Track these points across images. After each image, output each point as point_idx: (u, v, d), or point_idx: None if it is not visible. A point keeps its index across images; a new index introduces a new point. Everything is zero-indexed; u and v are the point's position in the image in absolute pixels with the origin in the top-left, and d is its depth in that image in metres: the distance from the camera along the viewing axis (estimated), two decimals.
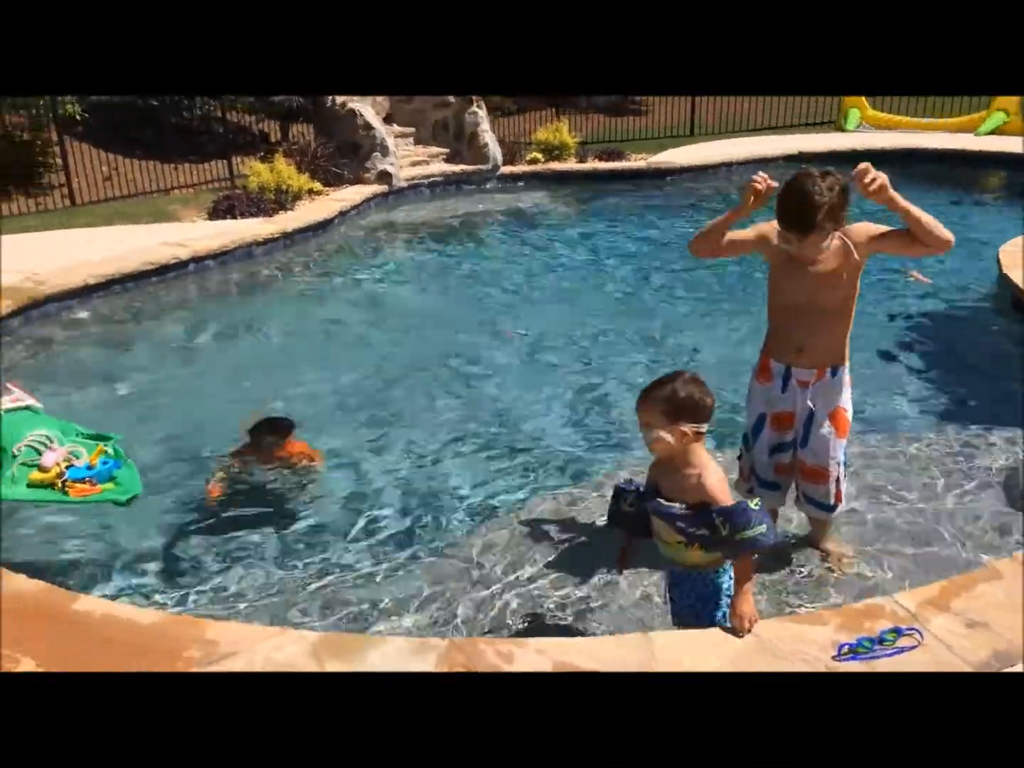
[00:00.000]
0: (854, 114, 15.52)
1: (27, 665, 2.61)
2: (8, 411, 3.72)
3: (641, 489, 2.93)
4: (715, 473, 2.76)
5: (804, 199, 2.99)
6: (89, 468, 3.51)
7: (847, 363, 3.34)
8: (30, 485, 3.45)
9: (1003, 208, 10.72)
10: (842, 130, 15.48)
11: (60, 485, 3.43)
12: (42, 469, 3.46)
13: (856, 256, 3.17)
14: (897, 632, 2.72)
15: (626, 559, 3.11)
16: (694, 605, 2.87)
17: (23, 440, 3.57)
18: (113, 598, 3.33)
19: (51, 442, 3.59)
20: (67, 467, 3.49)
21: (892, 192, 3.01)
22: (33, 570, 3.45)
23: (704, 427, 2.76)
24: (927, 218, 3.05)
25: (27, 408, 3.81)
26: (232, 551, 3.81)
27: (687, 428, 2.71)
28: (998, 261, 6.96)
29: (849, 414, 3.39)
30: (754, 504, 2.69)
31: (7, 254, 7.53)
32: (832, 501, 3.48)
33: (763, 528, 2.67)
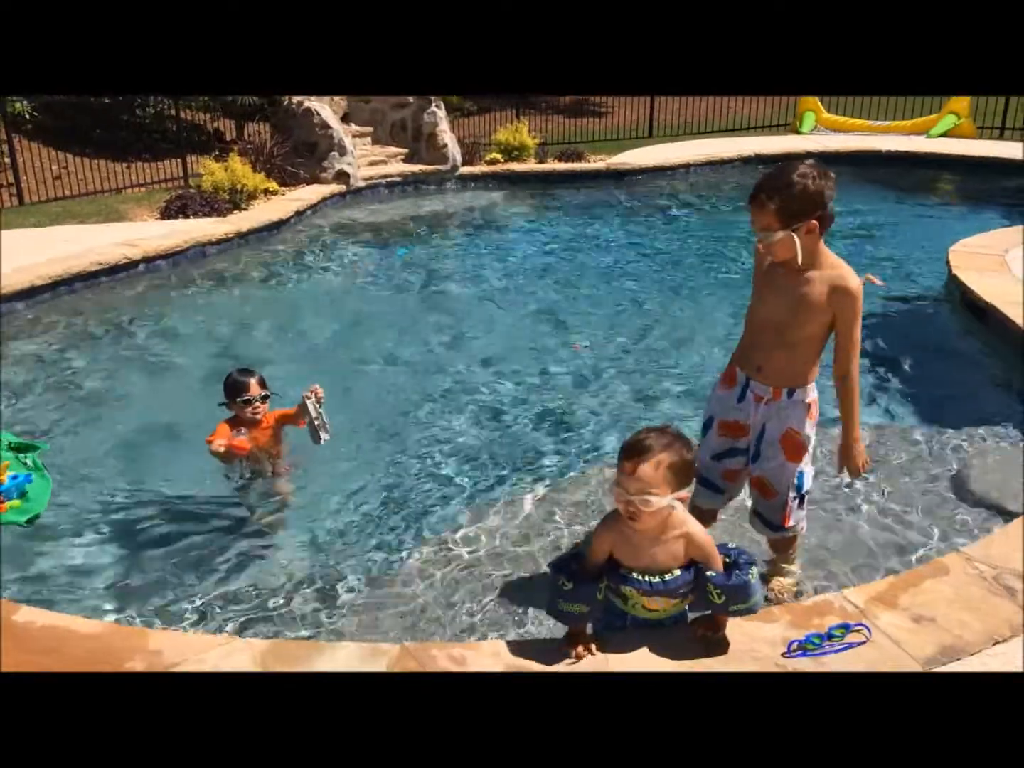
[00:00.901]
0: (809, 117, 15.71)
1: None
2: None
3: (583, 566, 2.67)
4: (697, 525, 2.67)
5: (773, 172, 2.93)
6: None
7: (807, 387, 3.16)
8: None
9: (953, 209, 10.93)
10: (798, 133, 15.67)
11: None
12: None
13: (840, 309, 2.97)
14: (845, 628, 2.75)
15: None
16: None
17: None
18: (54, 608, 3.23)
19: None
20: None
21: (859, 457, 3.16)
22: None
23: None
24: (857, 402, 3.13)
25: None
26: (175, 559, 3.72)
27: (686, 493, 2.62)
28: (948, 262, 7.08)
29: (804, 439, 3.19)
30: (753, 578, 2.62)
31: None
32: (778, 520, 3.32)
33: (758, 597, 2.64)
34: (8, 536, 3.74)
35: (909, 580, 3.10)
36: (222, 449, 4.02)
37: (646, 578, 2.63)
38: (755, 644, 2.71)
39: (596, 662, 2.62)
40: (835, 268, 2.97)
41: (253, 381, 4.17)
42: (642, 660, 2.65)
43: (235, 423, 4.19)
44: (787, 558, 3.51)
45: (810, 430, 3.21)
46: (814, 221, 2.86)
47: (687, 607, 2.83)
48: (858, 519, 3.96)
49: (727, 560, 2.65)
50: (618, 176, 12.56)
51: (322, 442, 4.11)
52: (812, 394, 3.20)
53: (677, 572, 2.64)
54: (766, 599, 3.26)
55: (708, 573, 2.61)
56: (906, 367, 5.80)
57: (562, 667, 2.60)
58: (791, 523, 3.32)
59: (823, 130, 15.63)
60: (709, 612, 2.76)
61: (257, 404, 4.16)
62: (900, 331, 6.58)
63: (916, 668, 2.62)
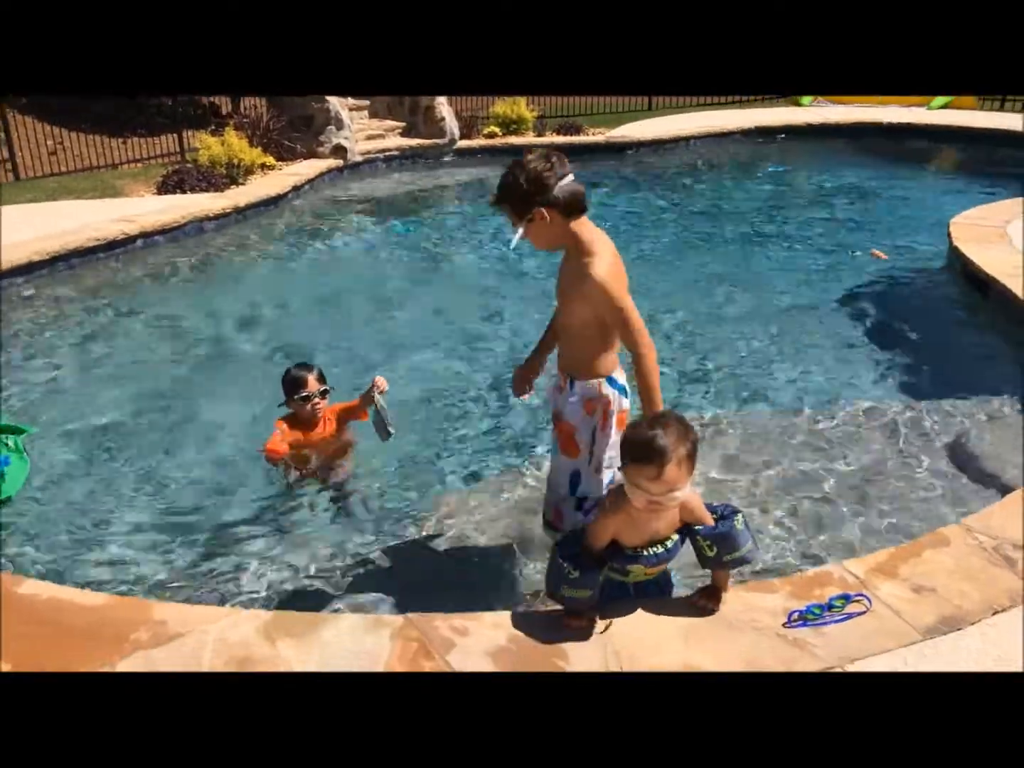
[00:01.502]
0: None
1: None
2: None
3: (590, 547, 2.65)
4: (691, 491, 2.64)
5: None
6: None
7: (593, 382, 2.97)
8: None
9: (954, 181, 10.87)
10: (798, 104, 15.56)
11: None
12: None
13: (591, 299, 2.82)
14: (846, 598, 2.76)
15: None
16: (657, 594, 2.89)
17: None
18: (59, 581, 3.24)
19: None
20: None
21: None
22: None
23: None
24: (655, 389, 2.85)
25: None
26: (182, 533, 3.74)
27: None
28: (949, 233, 7.05)
29: (575, 432, 3.01)
30: (739, 524, 2.65)
31: None
32: (549, 515, 3.19)
33: (749, 546, 2.66)
34: (16, 510, 3.76)
35: (909, 551, 3.11)
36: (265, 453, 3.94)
37: (651, 551, 2.66)
38: (756, 614, 2.73)
39: (600, 640, 2.64)
40: (587, 255, 2.82)
41: (311, 377, 3.95)
42: (643, 630, 2.67)
43: (294, 421, 4.01)
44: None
45: (586, 428, 2.98)
46: (541, 208, 2.77)
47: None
48: (857, 490, 3.97)
49: (715, 516, 2.70)
50: (617, 149, 12.49)
51: (390, 439, 3.89)
52: (599, 390, 2.98)
53: (675, 537, 2.68)
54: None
55: (696, 528, 2.66)
56: (906, 339, 5.80)
57: (564, 639, 2.62)
58: (563, 527, 3.12)
59: (824, 102, 15.54)
60: (710, 583, 2.79)
61: (316, 400, 3.97)
62: (900, 303, 6.58)
63: (917, 638, 2.64)
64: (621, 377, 3.04)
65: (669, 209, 9.70)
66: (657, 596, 2.88)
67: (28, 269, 6.84)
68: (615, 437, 2.99)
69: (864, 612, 2.74)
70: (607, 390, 2.99)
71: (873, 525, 3.72)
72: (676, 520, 2.67)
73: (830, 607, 2.73)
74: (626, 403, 3.05)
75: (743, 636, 2.65)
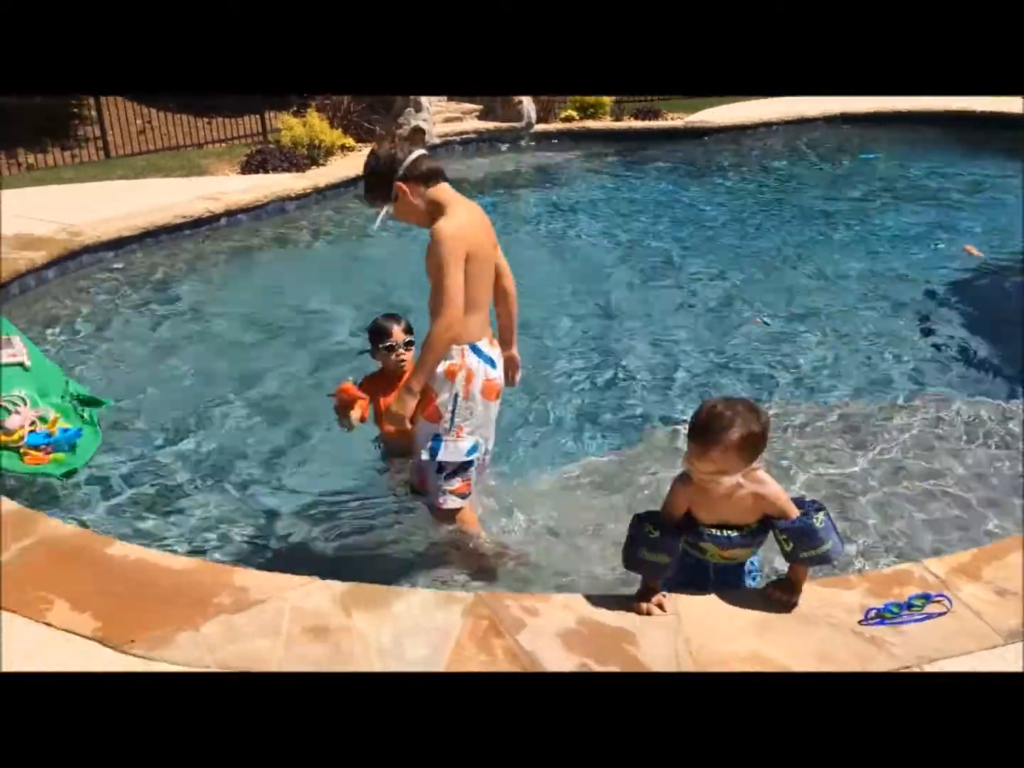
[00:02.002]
0: None
1: (60, 607, 2.66)
2: (3, 365, 3.68)
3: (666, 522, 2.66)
4: (773, 484, 2.63)
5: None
6: (48, 436, 3.46)
7: (455, 349, 3.00)
8: None
9: None
10: None
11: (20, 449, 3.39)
12: (5, 431, 3.41)
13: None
14: (926, 598, 2.69)
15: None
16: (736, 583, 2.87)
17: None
18: (147, 544, 3.37)
19: (23, 403, 3.53)
20: (30, 432, 3.45)
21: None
22: (67, 515, 3.52)
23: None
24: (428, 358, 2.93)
25: (19, 365, 3.76)
26: (263, 502, 3.85)
27: (757, 464, 2.56)
28: None
29: (437, 397, 3.01)
30: (819, 522, 2.59)
31: (43, 205, 7.61)
32: (415, 480, 3.21)
33: (830, 544, 2.60)
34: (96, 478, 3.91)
35: (993, 552, 3.02)
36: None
37: (724, 533, 2.65)
38: (832, 610, 2.68)
39: (669, 620, 2.64)
40: (441, 217, 2.94)
41: (397, 328, 3.77)
42: (715, 618, 2.65)
43: (380, 376, 3.81)
44: (448, 536, 3.28)
45: (447, 394, 3.00)
46: (400, 184, 2.97)
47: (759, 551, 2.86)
48: (941, 490, 3.87)
49: (801, 511, 2.64)
50: (696, 135, 12.30)
51: None
52: (457, 358, 2.99)
53: (754, 527, 2.65)
54: None
55: (775, 521, 2.63)
56: (994, 337, 5.61)
57: (634, 623, 2.63)
58: (428, 490, 3.17)
59: None
60: (786, 576, 2.75)
61: (401, 351, 3.73)
62: (987, 300, 6.37)
63: (999, 641, 2.57)
64: (487, 347, 3.08)
65: (747, 194, 9.52)
66: (737, 584, 2.86)
67: (118, 244, 7.10)
68: (481, 406, 3.07)
69: (944, 613, 2.67)
70: (470, 359, 3.02)
71: (955, 525, 3.62)
72: (752, 508, 2.63)
73: (909, 606, 2.66)
74: (493, 372, 3.09)
75: (817, 631, 2.61)
